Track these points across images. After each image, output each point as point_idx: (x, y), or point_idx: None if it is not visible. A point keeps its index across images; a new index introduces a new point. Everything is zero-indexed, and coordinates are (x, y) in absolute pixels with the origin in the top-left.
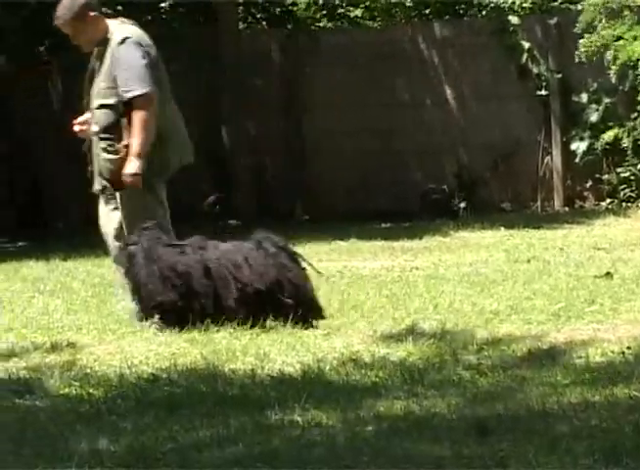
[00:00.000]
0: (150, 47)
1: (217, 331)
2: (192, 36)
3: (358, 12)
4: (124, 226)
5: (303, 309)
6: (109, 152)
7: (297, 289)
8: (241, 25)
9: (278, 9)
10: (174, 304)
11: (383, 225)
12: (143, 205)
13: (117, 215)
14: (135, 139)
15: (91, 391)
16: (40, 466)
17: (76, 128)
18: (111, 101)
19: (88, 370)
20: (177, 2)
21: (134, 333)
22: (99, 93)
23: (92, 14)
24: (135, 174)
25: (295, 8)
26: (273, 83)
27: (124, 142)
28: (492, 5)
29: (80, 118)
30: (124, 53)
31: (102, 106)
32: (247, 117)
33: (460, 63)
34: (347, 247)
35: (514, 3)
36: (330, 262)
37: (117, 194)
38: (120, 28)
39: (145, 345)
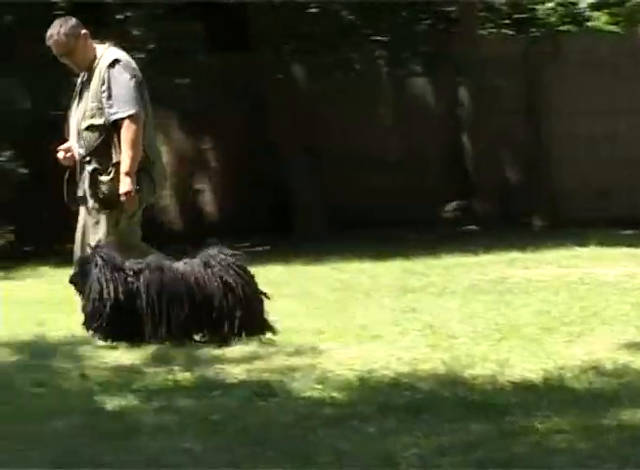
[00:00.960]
0: (137, 70)
1: (456, 337)
2: (431, 41)
3: (602, 17)
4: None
5: (250, 326)
6: (100, 173)
7: (243, 307)
8: (481, 30)
9: (519, 14)
10: (115, 328)
11: (624, 232)
12: (126, 227)
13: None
14: (124, 158)
15: (333, 394)
16: (284, 468)
17: (60, 155)
18: (99, 121)
19: (330, 374)
20: (417, 7)
21: (375, 338)
22: (87, 114)
23: (84, 31)
24: (129, 192)
25: (537, 13)
26: (514, 89)
27: (113, 161)
28: None
29: (65, 145)
30: (115, 75)
31: (90, 126)
32: (487, 122)
33: None
34: (588, 253)
35: None
36: (570, 269)
37: (103, 215)
38: (109, 51)
39: (386, 350)
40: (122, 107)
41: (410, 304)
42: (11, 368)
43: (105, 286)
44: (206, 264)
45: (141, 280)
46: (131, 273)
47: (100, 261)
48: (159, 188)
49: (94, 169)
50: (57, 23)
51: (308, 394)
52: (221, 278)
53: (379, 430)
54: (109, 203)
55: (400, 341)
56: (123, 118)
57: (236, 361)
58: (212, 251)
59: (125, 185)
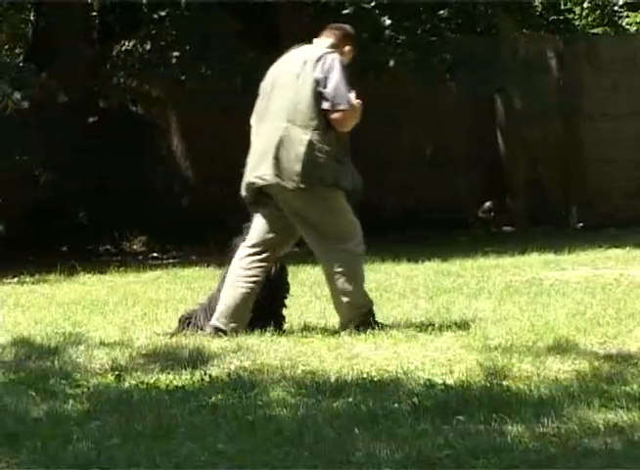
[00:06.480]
0: None
1: (491, 338)
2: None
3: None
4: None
5: None
6: None
7: None
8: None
9: (554, 16)
10: None
11: None
12: None
13: None
14: None
15: (367, 395)
16: (319, 469)
17: None
18: None
19: (365, 375)
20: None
21: (409, 339)
22: None
23: None
24: None
25: (572, 15)
26: (549, 90)
27: None
28: None
29: None
30: None
31: None
32: (522, 122)
33: None
34: (624, 254)
35: None
36: (606, 270)
37: None
38: None
39: (421, 351)
40: None
41: (445, 305)
42: None
43: None
44: None
45: None
46: None
47: None
48: None
49: None
50: None
51: (343, 394)
52: None
53: (412, 431)
54: None
55: (435, 342)
56: None
57: (271, 360)
58: None
59: None
